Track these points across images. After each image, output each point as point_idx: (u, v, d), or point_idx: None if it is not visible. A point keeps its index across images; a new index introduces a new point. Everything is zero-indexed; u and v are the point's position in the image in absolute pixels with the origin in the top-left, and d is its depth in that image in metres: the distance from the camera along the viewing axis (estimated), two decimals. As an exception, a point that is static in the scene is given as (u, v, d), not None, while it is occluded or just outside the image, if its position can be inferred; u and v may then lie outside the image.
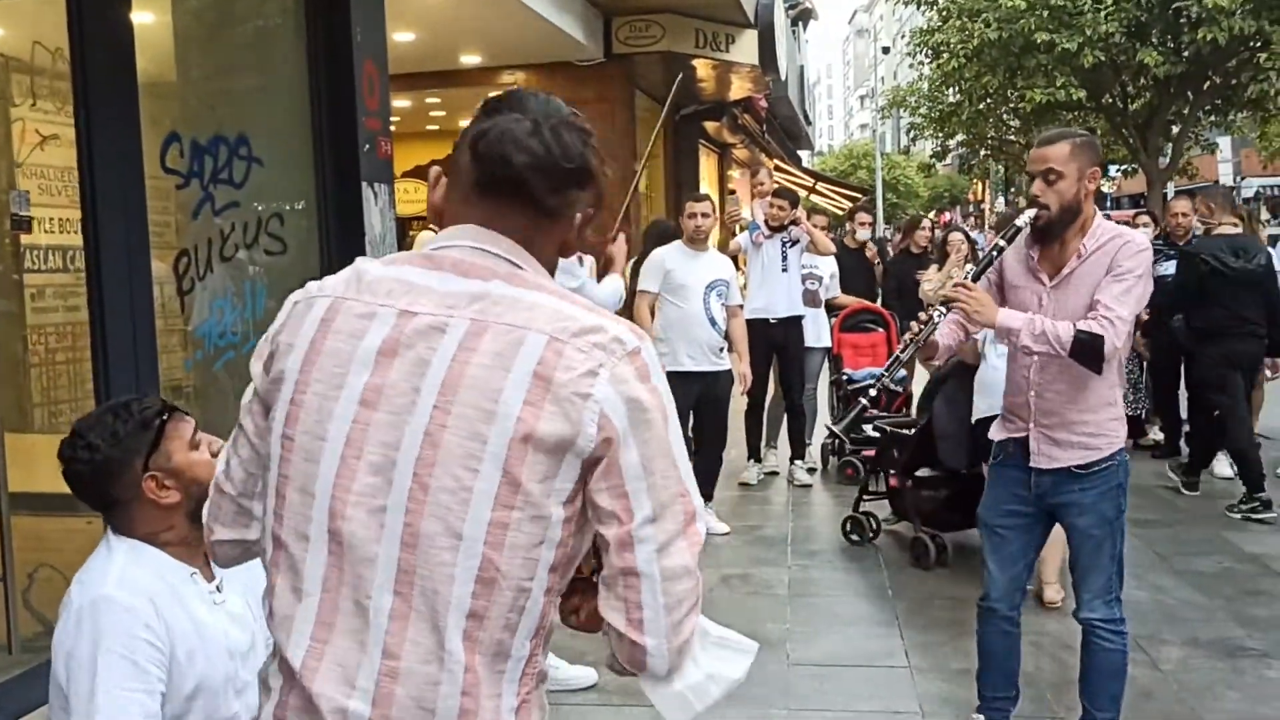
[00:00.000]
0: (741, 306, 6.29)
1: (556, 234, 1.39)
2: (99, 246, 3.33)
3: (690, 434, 6.07)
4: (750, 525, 6.17)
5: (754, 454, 7.21)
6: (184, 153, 3.96)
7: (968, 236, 7.20)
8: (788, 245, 6.78)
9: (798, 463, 7.12)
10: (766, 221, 6.85)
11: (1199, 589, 4.91)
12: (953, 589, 4.93)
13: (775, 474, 7.30)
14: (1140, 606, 4.66)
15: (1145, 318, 6.23)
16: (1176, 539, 5.69)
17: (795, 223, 6.74)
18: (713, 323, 5.83)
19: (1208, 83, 15.65)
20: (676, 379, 5.69)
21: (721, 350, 5.92)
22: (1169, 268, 6.76)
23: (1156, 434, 7.85)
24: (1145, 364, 7.56)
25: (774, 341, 6.83)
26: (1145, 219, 8.70)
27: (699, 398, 5.87)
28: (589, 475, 1.27)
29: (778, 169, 18.82)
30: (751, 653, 1.44)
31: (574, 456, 1.25)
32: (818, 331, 7.26)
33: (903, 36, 22.58)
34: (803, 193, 18.48)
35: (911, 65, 20.88)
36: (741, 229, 7.51)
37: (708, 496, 6.08)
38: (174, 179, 3.93)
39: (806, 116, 28.14)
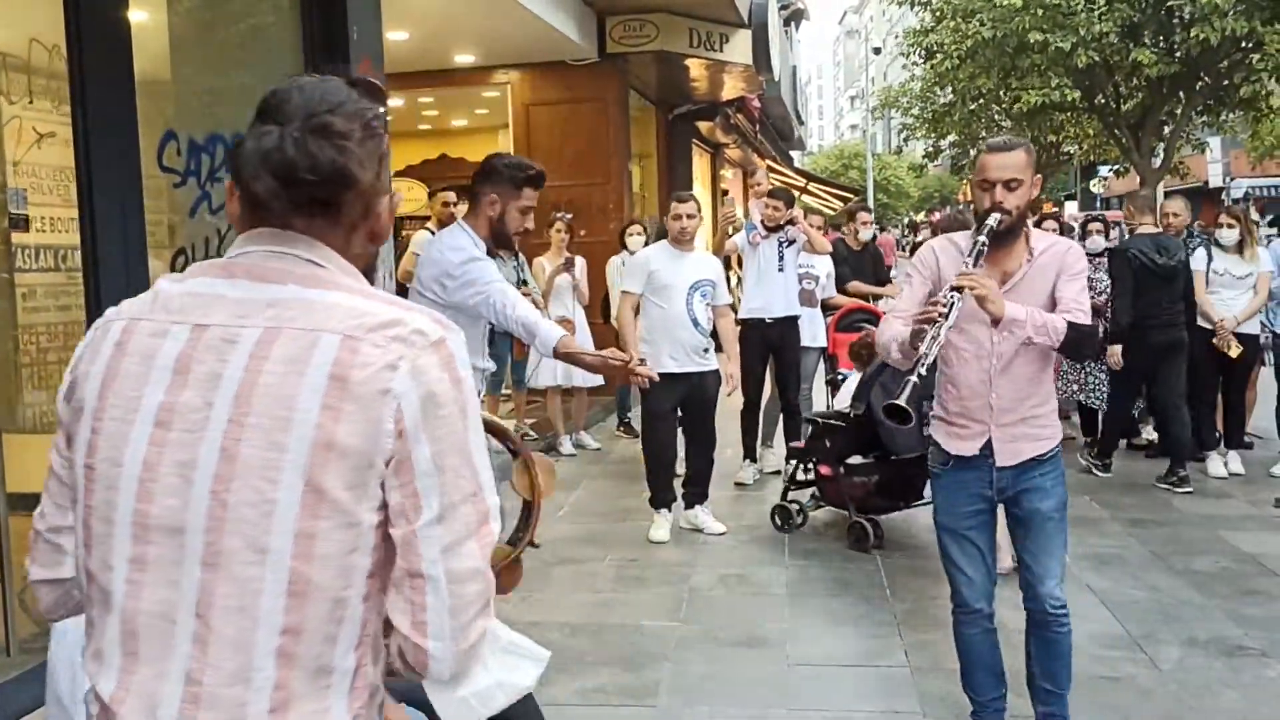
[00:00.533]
0: (732, 306, 6.27)
1: (342, 230, 1.32)
2: (96, 245, 3.32)
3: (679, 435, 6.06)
4: (747, 525, 6.17)
5: (750, 454, 7.21)
6: (181, 151, 3.95)
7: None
8: (784, 245, 6.78)
9: (793, 463, 7.10)
10: (763, 221, 6.85)
11: (1197, 588, 4.91)
12: (950, 589, 4.92)
13: (777, 473, 7.29)
14: (1138, 606, 4.67)
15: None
16: (1174, 539, 5.71)
17: (792, 223, 6.74)
18: (695, 323, 5.80)
19: (1200, 83, 15.70)
20: (660, 380, 5.63)
21: (706, 351, 5.89)
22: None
23: (1150, 433, 7.88)
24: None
25: (770, 341, 6.84)
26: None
27: (684, 399, 5.85)
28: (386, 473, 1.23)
29: (770, 169, 18.82)
30: (543, 661, 1.38)
31: (379, 457, 1.21)
32: (814, 331, 7.25)
33: (895, 37, 22.65)
34: (795, 193, 18.46)
35: (904, 66, 20.91)
36: (736, 230, 7.50)
37: (702, 496, 6.07)
38: (171, 177, 3.92)
39: (799, 116, 28.15)
